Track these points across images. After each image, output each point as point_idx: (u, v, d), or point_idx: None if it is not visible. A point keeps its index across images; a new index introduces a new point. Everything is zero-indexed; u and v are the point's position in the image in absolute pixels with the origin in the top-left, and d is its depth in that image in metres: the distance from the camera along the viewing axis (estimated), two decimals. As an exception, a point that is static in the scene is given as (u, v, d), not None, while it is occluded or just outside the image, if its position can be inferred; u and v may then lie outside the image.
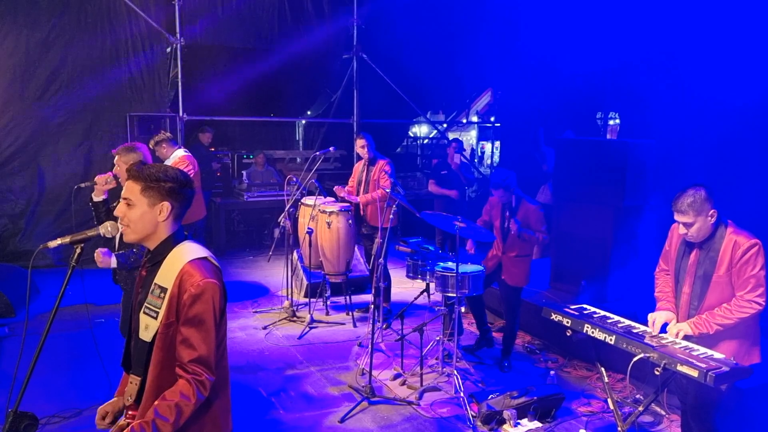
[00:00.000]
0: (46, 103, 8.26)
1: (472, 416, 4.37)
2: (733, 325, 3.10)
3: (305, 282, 7.06)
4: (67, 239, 2.09)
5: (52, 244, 2.09)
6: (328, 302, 6.83)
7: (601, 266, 5.72)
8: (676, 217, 3.22)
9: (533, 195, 7.80)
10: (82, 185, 4.28)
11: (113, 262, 3.69)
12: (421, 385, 4.85)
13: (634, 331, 3.31)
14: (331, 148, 6.51)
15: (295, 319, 6.47)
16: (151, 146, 6.46)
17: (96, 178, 4.11)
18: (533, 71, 8.80)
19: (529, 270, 5.19)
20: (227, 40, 9.48)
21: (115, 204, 4.18)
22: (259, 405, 4.61)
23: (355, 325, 6.34)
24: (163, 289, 2.09)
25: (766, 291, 3.09)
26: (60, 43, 8.23)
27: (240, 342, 5.85)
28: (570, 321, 3.52)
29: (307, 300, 6.65)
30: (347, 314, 6.56)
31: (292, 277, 6.73)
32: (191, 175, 6.20)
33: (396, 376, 5.07)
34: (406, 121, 11.43)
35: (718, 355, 2.99)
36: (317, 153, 6.44)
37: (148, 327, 2.12)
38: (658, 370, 2.99)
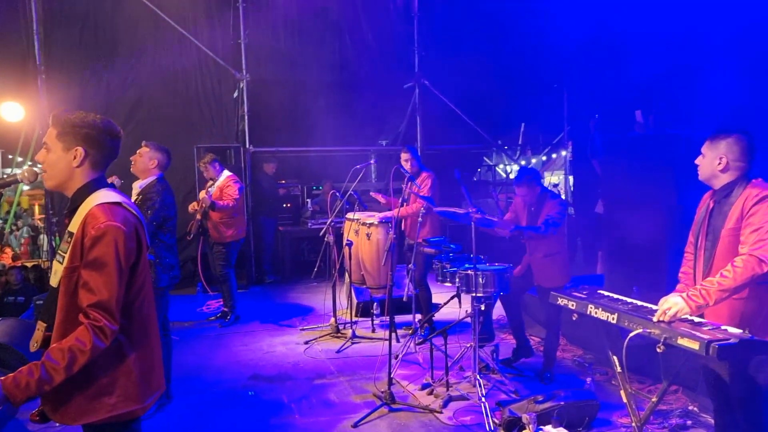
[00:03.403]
0: (126, 140, 8.85)
1: (495, 423, 4.02)
2: (735, 289, 2.61)
3: (355, 301, 6.99)
4: None
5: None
6: (377, 321, 6.69)
7: (654, 271, 5.18)
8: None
9: (592, 208, 7.34)
10: None
11: None
12: (447, 393, 4.56)
13: (641, 308, 2.92)
14: (372, 160, 6.47)
15: (338, 335, 6.36)
16: (201, 168, 6.81)
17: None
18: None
19: (563, 268, 4.81)
20: (291, 74, 9.85)
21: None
22: (276, 410, 4.51)
23: (398, 341, 6.12)
24: (71, 234, 2.08)
25: None
26: (138, 83, 8.93)
27: (278, 355, 5.82)
28: (575, 304, 3.18)
29: (357, 319, 6.55)
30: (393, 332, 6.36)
31: (336, 292, 6.65)
32: (238, 192, 6.53)
33: (424, 386, 4.80)
34: (470, 145, 11.22)
35: (731, 329, 2.54)
36: (357, 166, 6.42)
37: (56, 273, 2.10)
38: (660, 347, 2.59)
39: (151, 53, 9.02)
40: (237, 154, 9.25)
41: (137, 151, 4.48)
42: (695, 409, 4.15)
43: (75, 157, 2.13)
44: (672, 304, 2.68)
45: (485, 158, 14.35)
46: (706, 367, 3.02)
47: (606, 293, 3.27)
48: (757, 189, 2.74)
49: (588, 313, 3.07)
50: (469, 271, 4.54)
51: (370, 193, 6.34)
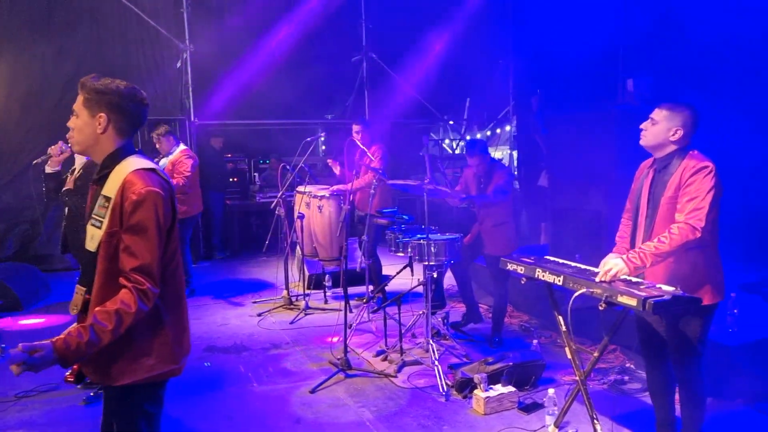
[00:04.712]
0: (63, 112, 8.56)
1: (447, 385, 4.22)
2: (670, 253, 2.82)
3: (308, 273, 7.07)
4: None
5: None
6: (329, 293, 6.79)
7: (596, 239, 5.47)
8: (654, 111, 3.08)
9: (535, 181, 7.60)
10: (38, 160, 4.29)
11: None
12: (402, 359, 4.72)
13: (585, 271, 3.13)
14: (321, 133, 6.50)
15: (291, 307, 6.44)
16: (154, 139, 6.65)
17: (49, 149, 4.13)
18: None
19: (510, 237, 5.03)
20: (235, 46, 9.67)
21: (66, 176, 4.23)
22: (234, 380, 4.57)
23: (350, 311, 6.23)
24: (107, 199, 2.10)
25: (706, 219, 2.79)
26: (74, 54, 8.57)
27: (233, 328, 5.85)
28: (523, 268, 3.36)
29: (309, 291, 6.63)
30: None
31: (288, 265, 6.71)
32: (191, 168, 6.44)
33: (378, 353, 4.95)
34: (417, 120, 11.37)
35: (665, 287, 2.77)
36: (308, 139, 6.44)
37: (93, 237, 2.12)
38: (602, 305, 2.80)
39: (87, 23, 8.67)
40: (182, 127, 9.09)
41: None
42: (632, 366, 4.45)
43: (99, 123, 2.16)
44: (612, 265, 2.89)
45: (431, 133, 14.52)
46: (640, 323, 3.25)
47: (552, 258, 3.47)
48: (694, 160, 2.93)
49: (536, 276, 3.26)
50: (422, 241, 4.68)
51: (327, 160, 6.39)
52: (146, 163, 2.18)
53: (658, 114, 3.03)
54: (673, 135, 2.99)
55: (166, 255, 2.16)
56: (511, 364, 4.14)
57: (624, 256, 2.91)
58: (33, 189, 6.80)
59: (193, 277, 7.07)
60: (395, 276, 5.39)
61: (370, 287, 6.28)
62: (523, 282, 3.39)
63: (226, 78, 9.80)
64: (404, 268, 5.25)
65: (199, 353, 5.11)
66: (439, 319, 5.17)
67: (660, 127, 3.01)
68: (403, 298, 4.91)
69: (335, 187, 6.32)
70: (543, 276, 3.20)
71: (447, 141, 15.28)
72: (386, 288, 6.61)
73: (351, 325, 5.66)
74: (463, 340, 5.23)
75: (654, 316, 3.03)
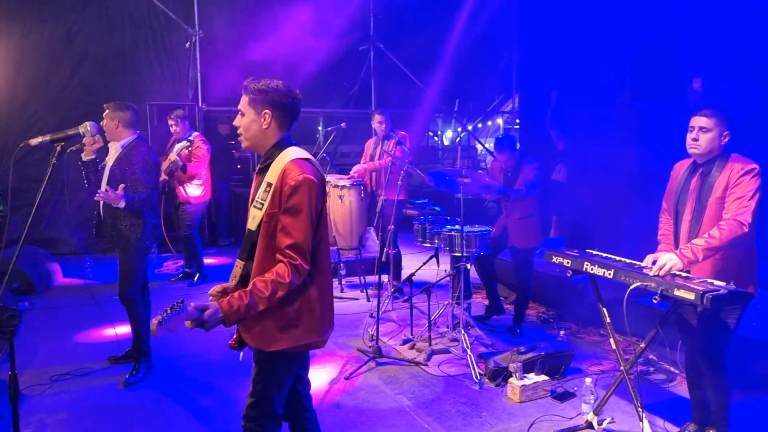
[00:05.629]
0: (70, 94, 8.50)
1: (480, 374, 4.32)
2: (720, 247, 2.96)
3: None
4: (47, 137, 2.16)
5: (33, 141, 2.15)
6: (343, 281, 6.87)
7: (613, 234, 5.60)
8: (696, 119, 3.13)
9: (548, 175, 7.73)
10: (73, 148, 4.33)
11: (122, 203, 3.88)
12: (430, 348, 4.82)
13: (632, 265, 3.24)
14: (342, 124, 6.54)
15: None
16: (171, 122, 6.64)
17: (84, 139, 4.18)
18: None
19: (537, 230, 5.14)
20: (244, 31, 9.62)
21: (103, 164, 4.29)
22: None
23: (368, 300, 6.34)
24: (269, 184, 2.34)
25: (752, 216, 2.95)
26: (83, 36, 8.49)
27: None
28: (570, 261, 3.47)
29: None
30: (361, 291, 6.58)
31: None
32: (204, 156, 6.46)
33: (405, 342, 5.04)
34: (426, 111, 11.41)
35: (717, 282, 2.90)
36: (329, 129, 6.48)
37: (254, 218, 2.38)
38: (656, 299, 2.92)
39: (96, 5, 8.57)
40: (190, 112, 9.02)
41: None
42: (654, 357, 4.59)
43: (265, 120, 2.38)
44: (666, 259, 3.00)
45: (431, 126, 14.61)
46: (680, 317, 3.35)
47: (595, 252, 3.58)
48: (740, 163, 3.06)
49: (584, 269, 3.36)
50: (453, 232, 4.77)
51: (355, 168, 6.44)
52: (303, 153, 2.40)
53: (707, 122, 3.10)
54: (724, 139, 3.11)
55: (316, 236, 2.37)
56: (543, 353, 4.25)
57: (677, 251, 3.03)
58: (57, 172, 6.76)
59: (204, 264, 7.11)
60: (423, 266, 5.48)
61: (385, 276, 6.36)
62: (569, 275, 3.49)
63: (234, 64, 9.75)
64: (431, 258, 5.34)
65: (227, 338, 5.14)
66: (464, 310, 5.27)
67: (713, 134, 3.09)
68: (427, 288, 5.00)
69: (357, 168, 6.37)
70: (592, 269, 3.30)
71: (449, 133, 15.36)
72: (402, 278, 6.72)
73: (372, 315, 5.76)
74: (485, 331, 5.34)
75: (693, 309, 3.15)
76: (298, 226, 2.27)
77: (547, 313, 5.77)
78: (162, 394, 4.15)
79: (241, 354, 2.60)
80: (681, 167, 3.38)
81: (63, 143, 2.21)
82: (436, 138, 15.40)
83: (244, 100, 2.40)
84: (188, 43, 9.29)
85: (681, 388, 4.19)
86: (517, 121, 13.66)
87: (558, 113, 7.85)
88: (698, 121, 3.13)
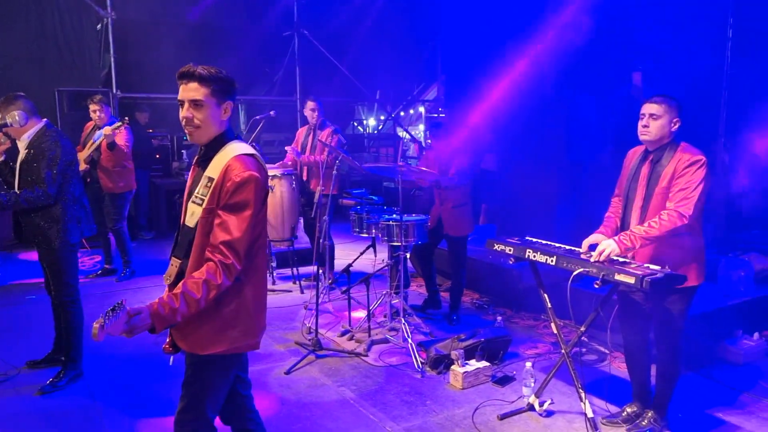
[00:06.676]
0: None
1: (421, 362, 4.34)
2: (659, 237, 3.05)
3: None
4: None
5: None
6: (275, 273, 6.72)
7: (545, 220, 5.78)
8: (646, 106, 3.18)
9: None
10: None
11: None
12: (370, 338, 4.80)
13: (573, 251, 3.33)
14: (271, 112, 6.34)
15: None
16: (92, 110, 6.24)
17: None
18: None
19: (469, 218, 5.21)
20: (159, 14, 9.18)
21: (13, 164, 3.96)
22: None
23: (302, 292, 6.24)
24: (211, 179, 2.22)
25: (695, 208, 3.03)
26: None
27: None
28: (512, 249, 3.53)
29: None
30: (294, 283, 6.47)
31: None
32: (129, 140, 6.13)
33: (343, 333, 5.00)
34: (346, 98, 11.35)
35: (653, 266, 3.01)
36: (257, 117, 6.29)
37: (193, 214, 2.26)
38: (597, 284, 3.01)
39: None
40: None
41: None
42: (585, 339, 4.77)
43: (225, 112, 2.29)
44: (606, 245, 3.10)
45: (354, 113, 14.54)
46: (625, 301, 3.46)
47: (535, 240, 3.65)
48: (688, 153, 3.14)
49: (526, 257, 3.43)
50: (391, 222, 4.75)
51: (286, 147, 6.27)
52: (248, 149, 2.30)
53: (657, 108, 3.16)
54: (674, 126, 3.18)
55: (254, 234, 2.27)
56: (483, 340, 4.33)
57: (616, 238, 3.13)
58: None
59: (133, 258, 6.79)
60: (360, 256, 5.43)
61: (318, 268, 6.27)
62: (511, 262, 3.55)
63: (151, 49, 9.28)
64: (367, 248, 5.30)
65: (153, 338, 4.91)
66: (402, 299, 5.27)
67: (663, 121, 3.16)
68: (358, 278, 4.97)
69: (289, 151, 6.25)
70: (534, 257, 3.37)
71: (372, 121, 15.34)
72: (335, 269, 6.65)
73: (307, 306, 5.67)
74: (423, 319, 5.37)
75: (640, 294, 3.28)
76: (238, 224, 2.17)
77: (482, 300, 5.88)
78: (91, 399, 3.91)
79: (171, 358, 2.47)
80: (633, 154, 3.43)
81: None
82: (360, 127, 15.36)
83: (202, 90, 2.22)
84: (99, 26, 8.76)
85: (613, 367, 4.38)
86: (440, 109, 13.82)
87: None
88: (649, 108, 3.17)
